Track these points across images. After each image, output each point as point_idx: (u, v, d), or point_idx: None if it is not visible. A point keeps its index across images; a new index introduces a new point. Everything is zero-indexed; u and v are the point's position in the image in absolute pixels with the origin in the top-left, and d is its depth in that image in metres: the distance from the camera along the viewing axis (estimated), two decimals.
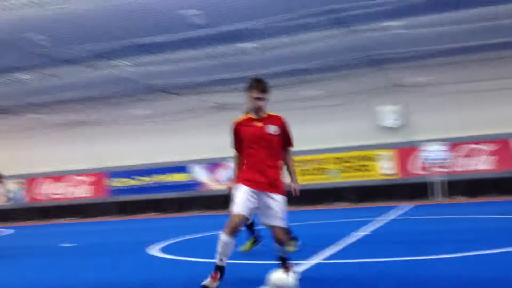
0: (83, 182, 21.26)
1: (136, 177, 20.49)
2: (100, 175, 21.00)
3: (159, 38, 10.34)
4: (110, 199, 20.93)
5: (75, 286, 5.66)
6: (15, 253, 9.89)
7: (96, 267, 7.15)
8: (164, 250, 8.16)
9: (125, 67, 12.76)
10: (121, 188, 20.69)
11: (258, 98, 4.66)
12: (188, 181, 19.74)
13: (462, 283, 4.46)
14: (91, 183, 21.18)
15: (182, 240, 9.65)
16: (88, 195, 21.23)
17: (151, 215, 19.64)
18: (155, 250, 8.18)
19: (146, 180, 20.40)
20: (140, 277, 5.97)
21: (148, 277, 5.94)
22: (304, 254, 6.34)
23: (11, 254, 9.64)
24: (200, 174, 19.66)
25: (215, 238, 4.88)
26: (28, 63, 11.55)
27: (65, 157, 21.09)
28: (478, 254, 5.82)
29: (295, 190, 4.85)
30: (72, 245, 10.37)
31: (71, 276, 6.41)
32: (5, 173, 21.55)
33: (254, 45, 11.51)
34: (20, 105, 16.22)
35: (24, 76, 12.79)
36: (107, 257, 8.23)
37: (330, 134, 17.99)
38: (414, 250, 6.55)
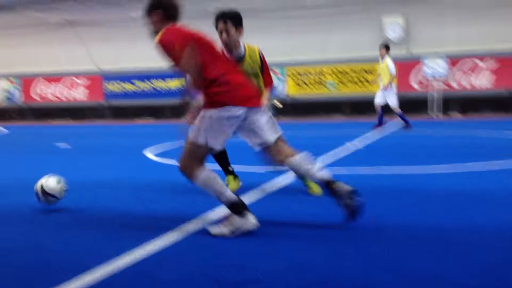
0: (79, 85, 21.10)
1: (132, 81, 20.33)
2: (96, 78, 20.82)
3: None
4: (105, 103, 20.91)
5: (73, 183, 5.74)
6: (11, 150, 9.99)
7: (93, 166, 7.25)
8: (160, 154, 8.24)
9: None
10: (117, 92, 20.60)
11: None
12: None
13: (450, 194, 4.56)
14: (87, 86, 21.04)
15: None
16: (83, 97, 21.16)
17: (146, 121, 19.70)
18: (151, 154, 8.27)
19: (142, 85, 20.26)
20: (139, 177, 6.07)
21: (147, 177, 6.04)
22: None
23: (7, 150, 9.72)
24: None
25: None
26: None
27: (62, 58, 20.76)
28: (469, 170, 5.91)
29: None
30: (67, 146, 10.42)
31: (68, 173, 6.49)
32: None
33: None
34: (18, 2, 15.71)
35: None
36: (104, 157, 8.34)
37: (329, 44, 17.69)
38: (405, 161, 6.64)
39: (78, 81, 21.09)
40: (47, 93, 21.49)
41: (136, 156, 8.14)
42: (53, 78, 21.28)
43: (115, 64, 20.31)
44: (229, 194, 3.49)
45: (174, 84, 19.55)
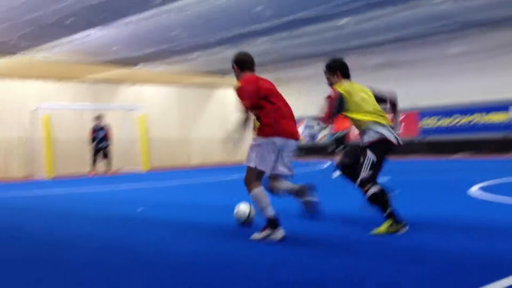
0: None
1: (449, 116, 20.05)
2: (412, 114, 21.22)
3: None
4: (421, 138, 21.06)
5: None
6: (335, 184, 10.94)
7: (412, 201, 7.43)
8: (486, 189, 7.92)
9: (438, 4, 12.42)
10: (432, 127, 20.56)
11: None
12: (508, 121, 18.39)
13: None
14: (403, 122, 21.58)
15: (504, 182, 9.13)
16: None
17: (463, 156, 19.04)
18: (475, 190, 8.01)
19: (459, 119, 19.75)
20: (464, 215, 6.00)
21: (470, 215, 5.93)
22: None
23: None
24: None
25: None
26: (341, 9, 12.32)
27: None
28: None
29: None
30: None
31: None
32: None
33: None
34: (339, 49, 17.32)
35: (341, 22, 13.62)
36: (424, 192, 8.46)
37: None
38: None
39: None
40: None
41: (458, 192, 8.02)
42: None
43: (432, 100, 20.36)
44: (270, 210, 4.78)
45: (496, 117, 18.56)
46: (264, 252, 4.39)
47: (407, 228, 4.97)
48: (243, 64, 5.36)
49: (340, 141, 12.01)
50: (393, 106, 5.73)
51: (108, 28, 13.06)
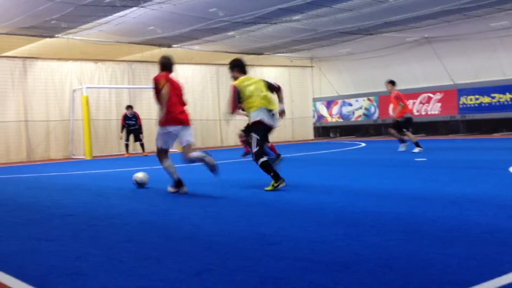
0: (434, 100, 21.30)
1: (490, 94, 19.44)
2: (450, 92, 20.68)
3: None
4: (459, 117, 20.53)
5: (442, 197, 5.87)
6: (374, 163, 10.80)
7: (452, 180, 7.26)
8: None
9: None
10: (472, 106, 20.01)
11: None
12: None
13: None
14: (441, 101, 21.08)
15: None
16: (437, 112, 21.25)
17: (504, 135, 18.49)
18: None
19: (501, 97, 19.14)
20: (505, 193, 5.82)
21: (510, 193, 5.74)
22: None
23: (366, 163, 10.55)
24: None
25: None
26: None
27: (417, 74, 21.41)
28: None
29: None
30: (422, 159, 10.70)
31: (433, 187, 6.68)
32: (362, 91, 23.22)
33: None
34: (378, 25, 16.92)
35: None
36: (462, 172, 8.25)
37: None
38: None
39: (433, 96, 21.32)
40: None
41: (498, 171, 7.80)
42: (410, 94, 22.06)
43: (472, 78, 19.79)
44: (176, 175, 7.25)
45: None
46: (303, 232, 4.33)
47: (285, 183, 6.89)
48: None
49: (408, 122, 13.24)
50: (278, 92, 7.49)
51: (145, 7, 13.07)
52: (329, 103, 25.01)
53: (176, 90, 7.31)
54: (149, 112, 19.76)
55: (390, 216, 4.80)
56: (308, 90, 25.25)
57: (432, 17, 16.33)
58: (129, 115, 17.54)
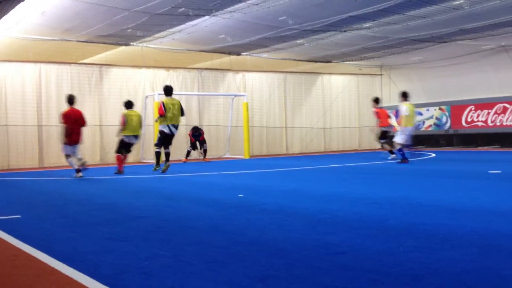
0: (510, 110, 20.36)
1: None
2: None
3: None
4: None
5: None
6: (444, 174, 10.44)
7: None
8: None
9: None
10: None
11: None
12: None
13: None
14: None
15: None
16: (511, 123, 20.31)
17: None
18: None
19: None
20: None
21: None
22: None
23: (437, 175, 10.21)
24: None
25: None
26: None
27: (492, 83, 20.56)
28: None
29: None
30: (497, 171, 10.26)
31: (509, 201, 6.40)
32: (434, 100, 22.57)
33: None
34: (452, 32, 16.41)
35: (457, 2, 12.84)
36: None
37: None
38: None
39: (509, 106, 20.38)
40: (476, 119, 21.54)
41: None
42: (484, 104, 21.20)
43: None
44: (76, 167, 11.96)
45: None
46: (370, 243, 4.25)
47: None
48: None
49: (384, 134, 15.86)
50: (182, 112, 12.77)
51: (216, 16, 13.34)
52: (398, 112, 24.45)
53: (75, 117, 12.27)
54: (217, 118, 20.09)
55: (464, 230, 4.63)
56: None
57: (509, 25, 15.65)
58: (195, 132, 18.08)
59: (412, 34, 16.54)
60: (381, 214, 5.64)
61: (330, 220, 5.39)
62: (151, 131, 18.36)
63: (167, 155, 12.65)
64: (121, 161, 12.88)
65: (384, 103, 24.98)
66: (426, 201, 6.58)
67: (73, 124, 11.98)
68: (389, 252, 3.87)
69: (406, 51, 19.91)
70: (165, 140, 12.52)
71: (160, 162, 13.00)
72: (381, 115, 15.86)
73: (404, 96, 14.48)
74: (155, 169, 12.95)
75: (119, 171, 12.72)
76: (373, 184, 9.19)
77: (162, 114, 12.33)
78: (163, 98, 12.76)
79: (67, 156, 12.16)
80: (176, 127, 12.58)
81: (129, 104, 13.16)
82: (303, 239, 4.45)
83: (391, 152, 15.27)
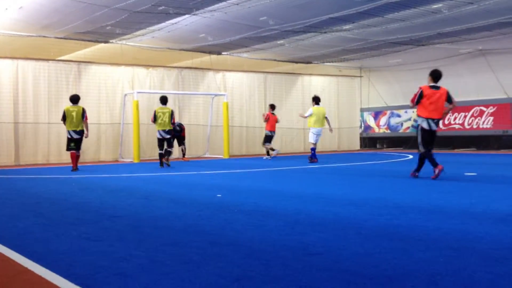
0: (486, 113, 20.70)
1: None
2: (504, 106, 20.04)
3: None
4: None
5: (492, 213, 5.71)
6: (421, 176, 10.56)
7: (506, 198, 7.02)
8: None
9: None
10: None
11: None
12: None
13: None
14: (493, 114, 20.45)
15: None
16: (488, 126, 20.63)
17: None
18: None
19: None
20: None
21: None
22: None
23: (406, 176, 10.32)
24: None
25: None
26: None
27: (469, 87, 20.86)
28: None
29: None
30: (472, 174, 10.41)
31: (483, 203, 6.49)
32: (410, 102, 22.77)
33: None
34: (431, 35, 16.60)
35: (436, 5, 13.00)
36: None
37: None
38: None
39: (485, 109, 20.71)
40: (453, 122, 21.83)
41: None
42: (461, 107, 21.50)
43: None
44: None
45: None
46: (346, 244, 4.28)
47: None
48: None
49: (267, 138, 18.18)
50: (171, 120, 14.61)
51: (196, 15, 13.28)
52: (377, 114, 24.69)
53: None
54: (196, 117, 20.05)
55: (439, 232, 4.68)
56: (355, 100, 25.01)
57: (487, 29, 15.90)
58: (176, 126, 17.90)
59: (391, 37, 16.70)
60: (357, 215, 5.68)
61: (308, 221, 5.40)
62: (129, 129, 18.22)
63: (164, 154, 14.61)
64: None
65: (362, 105, 25.22)
66: (402, 202, 6.64)
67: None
68: (365, 253, 3.89)
69: (385, 53, 20.10)
70: (159, 143, 14.65)
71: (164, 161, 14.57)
72: (268, 119, 17.99)
73: (314, 100, 15.80)
74: (161, 166, 14.37)
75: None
76: (351, 185, 9.25)
77: (152, 121, 14.73)
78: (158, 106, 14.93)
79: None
80: (166, 132, 14.49)
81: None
82: (280, 240, 4.45)
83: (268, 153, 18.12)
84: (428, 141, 9.62)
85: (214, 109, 20.26)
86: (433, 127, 9.59)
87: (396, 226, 5.00)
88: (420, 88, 9.67)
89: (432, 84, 9.70)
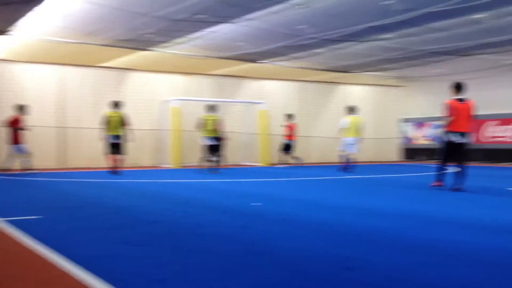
0: None
1: None
2: None
3: None
4: None
5: None
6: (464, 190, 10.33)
7: None
8: None
9: None
10: None
11: None
12: None
13: None
14: None
15: None
16: None
17: None
18: None
19: None
20: None
21: None
22: None
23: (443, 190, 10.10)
24: None
25: None
26: (478, 2, 11.45)
27: (510, 99, 20.33)
28: None
29: None
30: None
31: None
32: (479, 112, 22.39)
33: None
34: (473, 46, 16.26)
35: (478, 15, 12.73)
36: None
37: None
38: None
39: None
40: (497, 134, 21.28)
41: None
42: (503, 120, 20.96)
43: None
44: None
45: None
46: (381, 257, 4.22)
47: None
48: None
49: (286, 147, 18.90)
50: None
51: (235, 23, 13.39)
52: (417, 125, 24.28)
53: None
54: (233, 125, 20.15)
55: (483, 248, 4.56)
56: (394, 111, 24.67)
57: None
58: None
59: (431, 47, 16.42)
60: (397, 228, 5.59)
61: (344, 233, 5.35)
62: (168, 135, 18.45)
63: (210, 161, 15.20)
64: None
65: (402, 115, 24.85)
66: (445, 216, 6.51)
67: None
68: (404, 268, 3.83)
69: (426, 63, 19.76)
70: (205, 149, 15.33)
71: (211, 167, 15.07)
72: (286, 130, 18.67)
73: (348, 110, 16.06)
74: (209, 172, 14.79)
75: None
76: (389, 196, 9.11)
77: (197, 127, 15.49)
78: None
79: None
80: (211, 138, 15.13)
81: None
82: (316, 251, 4.43)
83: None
84: (448, 155, 9.69)
85: (250, 117, 20.33)
86: (458, 140, 9.55)
87: (438, 240, 4.90)
88: (447, 102, 9.71)
89: (457, 97, 9.66)
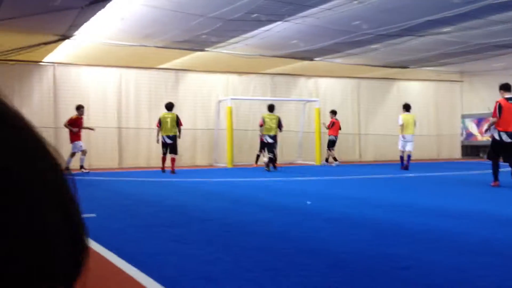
0: None
1: None
2: None
3: None
4: None
5: None
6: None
7: None
8: None
9: None
10: None
11: None
12: None
13: None
14: None
15: None
16: None
17: None
18: None
19: None
20: None
21: None
22: None
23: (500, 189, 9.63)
24: None
25: None
26: None
27: None
28: None
29: None
30: None
31: None
32: None
33: None
34: None
35: None
36: None
37: None
38: None
39: None
40: None
41: None
42: None
43: None
44: None
45: None
46: (438, 257, 4.06)
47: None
48: None
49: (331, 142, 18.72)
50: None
51: (289, 21, 13.34)
52: (480, 121, 23.37)
53: None
54: (288, 123, 20.10)
55: None
56: (456, 106, 23.86)
57: None
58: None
59: (493, 40, 15.76)
60: (452, 228, 5.39)
61: (397, 232, 5.21)
62: (224, 135, 18.63)
63: (270, 158, 15.42)
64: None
65: (464, 111, 24.02)
66: (506, 216, 6.22)
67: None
68: (459, 269, 3.68)
69: (488, 57, 18.99)
70: (264, 147, 16.16)
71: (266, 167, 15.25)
72: (330, 125, 18.59)
73: (405, 108, 16.25)
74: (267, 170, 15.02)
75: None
76: (447, 195, 8.80)
77: (260, 126, 15.93)
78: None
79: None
80: (271, 137, 15.47)
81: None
82: (367, 250, 4.32)
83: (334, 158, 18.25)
84: (497, 153, 9.72)
85: (306, 115, 20.20)
86: (507, 139, 9.49)
87: (496, 240, 4.68)
88: (498, 101, 9.71)
89: (507, 96, 9.65)
